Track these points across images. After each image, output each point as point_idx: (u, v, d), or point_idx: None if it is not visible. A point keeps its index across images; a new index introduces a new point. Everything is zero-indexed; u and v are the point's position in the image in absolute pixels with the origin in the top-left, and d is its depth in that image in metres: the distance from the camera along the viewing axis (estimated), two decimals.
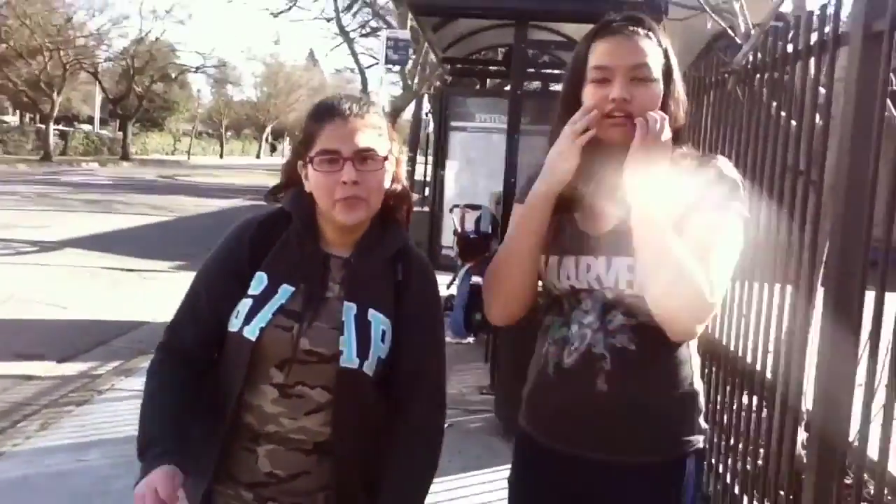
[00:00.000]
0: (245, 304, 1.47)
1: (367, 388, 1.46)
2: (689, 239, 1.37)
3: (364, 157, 1.45)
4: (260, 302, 1.46)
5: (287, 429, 1.46)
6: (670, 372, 1.46)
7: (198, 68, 42.81)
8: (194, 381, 1.51)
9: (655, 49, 1.44)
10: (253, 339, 1.44)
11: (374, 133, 1.47)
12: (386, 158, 1.49)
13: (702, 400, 1.51)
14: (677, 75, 1.48)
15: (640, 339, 1.42)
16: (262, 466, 1.48)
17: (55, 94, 30.53)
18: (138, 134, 43.55)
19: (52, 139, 31.50)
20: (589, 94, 1.45)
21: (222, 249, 1.54)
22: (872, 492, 2.20)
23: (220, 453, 1.47)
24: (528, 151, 6.14)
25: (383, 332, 1.48)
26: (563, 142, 1.43)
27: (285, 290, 1.47)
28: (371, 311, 1.48)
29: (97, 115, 46.13)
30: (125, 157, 36.46)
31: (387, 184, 1.51)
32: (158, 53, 37.84)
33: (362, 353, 1.44)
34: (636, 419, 1.44)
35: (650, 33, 1.45)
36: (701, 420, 1.51)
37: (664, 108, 1.45)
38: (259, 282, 1.48)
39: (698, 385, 1.50)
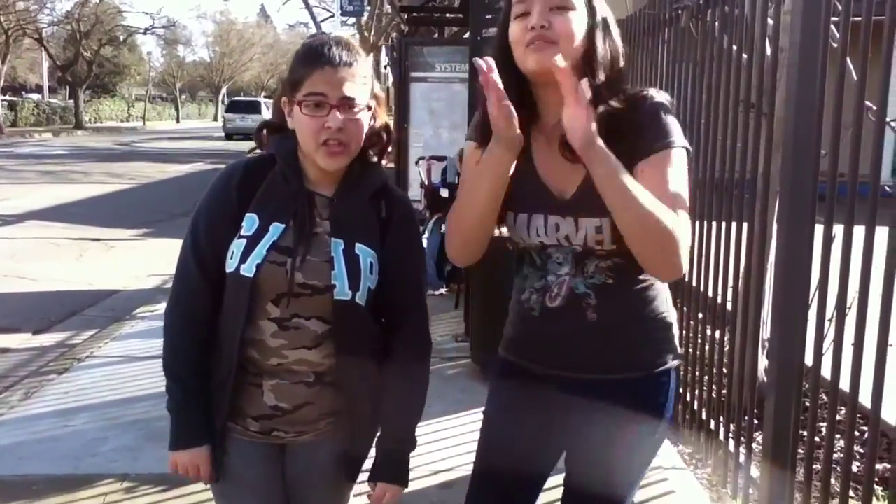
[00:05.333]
0: (238, 245, 1.54)
1: (361, 317, 1.56)
2: (645, 185, 1.42)
3: (349, 104, 1.51)
4: (253, 241, 1.53)
5: (289, 360, 1.56)
6: (647, 298, 1.57)
7: (147, 29, 41.73)
8: (209, 326, 1.59)
9: None
10: (250, 276, 1.51)
11: (360, 82, 1.53)
12: (369, 107, 1.56)
13: (675, 325, 1.62)
14: (601, 9, 1.51)
15: (616, 273, 1.53)
16: (267, 400, 1.58)
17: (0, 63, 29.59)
18: (90, 101, 42.42)
19: (1, 110, 30.62)
20: (513, 29, 1.49)
21: (212, 196, 1.61)
22: (828, 409, 2.34)
23: (231, 392, 1.58)
24: None
25: (371, 264, 1.57)
26: (492, 110, 1.39)
27: (276, 228, 1.55)
28: (358, 245, 1.56)
29: (45, 84, 44.79)
30: (78, 125, 35.57)
31: (366, 126, 1.58)
32: (104, 15, 36.73)
33: (353, 285, 1.54)
34: (623, 341, 1.55)
35: None
36: (676, 342, 1.63)
37: (591, 40, 1.48)
38: (250, 222, 1.55)
39: (672, 312, 1.62)
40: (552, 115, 1.51)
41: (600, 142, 1.36)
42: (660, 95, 1.53)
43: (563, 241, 1.53)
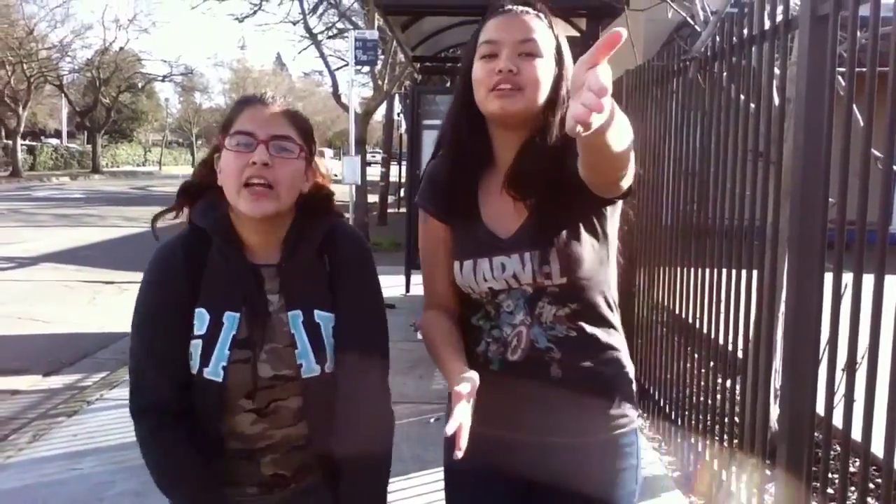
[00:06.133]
0: (196, 346, 1.41)
1: (332, 385, 1.45)
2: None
3: (279, 144, 1.39)
4: (210, 340, 1.40)
5: (276, 438, 1.46)
6: (611, 352, 1.50)
7: (165, 77, 42.46)
8: (188, 435, 1.43)
9: (545, 29, 1.44)
10: (220, 380, 1.39)
11: (292, 125, 1.43)
12: (302, 151, 1.43)
13: (634, 381, 1.56)
14: (569, 63, 1.47)
15: (576, 325, 1.47)
16: (265, 471, 1.49)
17: (21, 109, 30.16)
18: (108, 146, 43.09)
19: (21, 155, 31.14)
20: (477, 69, 1.44)
21: (156, 289, 1.45)
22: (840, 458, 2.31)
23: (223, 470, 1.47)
24: None
25: (333, 328, 1.46)
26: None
27: (230, 318, 1.41)
28: (316, 313, 1.45)
29: (64, 129, 45.57)
30: (95, 169, 36.10)
31: (305, 187, 1.46)
32: (124, 63, 37.47)
33: (320, 358, 1.43)
34: (589, 399, 1.47)
35: (540, 15, 1.46)
36: (634, 394, 1.55)
37: (556, 90, 1.45)
38: (201, 319, 1.42)
39: (631, 366, 1.56)
40: (507, 157, 1.49)
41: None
42: None
43: (511, 283, 1.46)
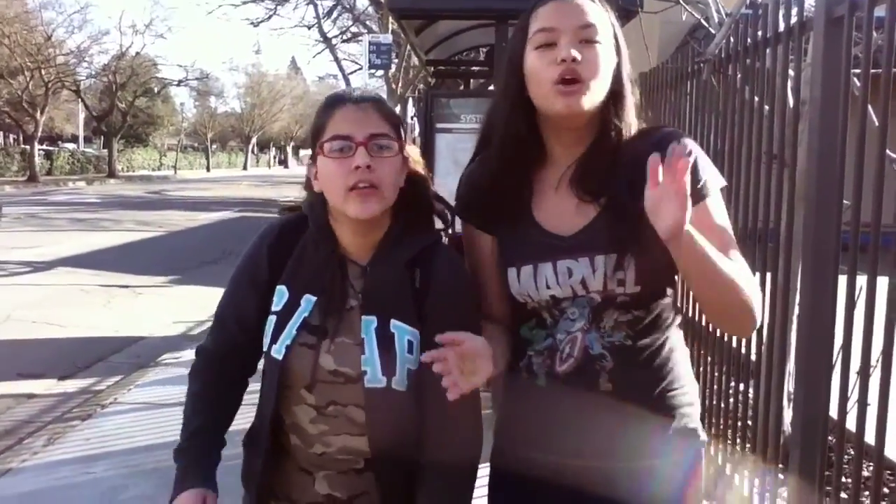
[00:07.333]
0: (270, 322, 1.41)
1: (399, 405, 1.36)
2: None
3: (378, 143, 1.36)
4: (284, 317, 1.40)
5: (333, 448, 1.40)
6: (669, 365, 1.37)
7: (180, 81, 42.89)
8: (231, 388, 1.51)
9: (602, 14, 1.34)
10: (280, 357, 1.38)
11: (386, 120, 1.39)
12: (400, 145, 1.39)
13: (697, 399, 1.44)
14: (625, 50, 1.39)
15: (636, 332, 1.35)
16: (319, 489, 1.43)
17: (38, 114, 30.44)
18: (123, 150, 43.45)
19: (38, 159, 31.44)
20: (533, 60, 1.32)
21: (243, 259, 1.50)
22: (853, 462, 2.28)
23: (262, 475, 1.44)
24: None
25: (410, 343, 1.37)
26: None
27: (308, 301, 1.40)
28: (393, 322, 1.37)
29: (81, 133, 45.95)
30: (111, 174, 36.40)
31: (401, 181, 1.42)
32: (140, 68, 37.83)
33: (388, 369, 1.35)
34: (642, 417, 1.32)
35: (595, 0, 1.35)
36: (699, 418, 1.43)
37: (619, 79, 1.36)
38: (280, 296, 1.42)
39: (694, 382, 1.45)
40: (566, 156, 1.38)
41: (689, 227, 1.17)
42: (676, 131, 1.41)
43: (578, 290, 1.33)
